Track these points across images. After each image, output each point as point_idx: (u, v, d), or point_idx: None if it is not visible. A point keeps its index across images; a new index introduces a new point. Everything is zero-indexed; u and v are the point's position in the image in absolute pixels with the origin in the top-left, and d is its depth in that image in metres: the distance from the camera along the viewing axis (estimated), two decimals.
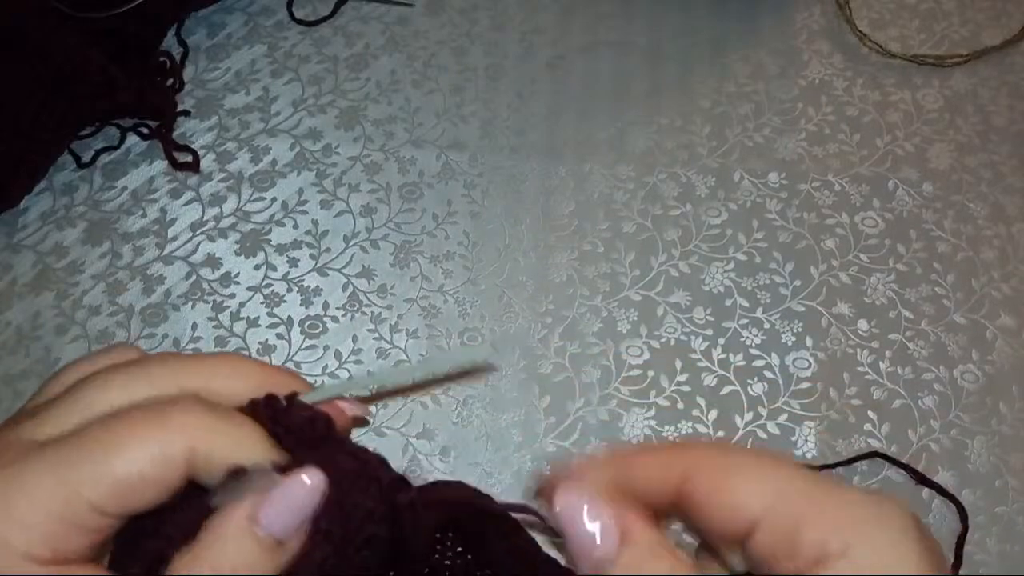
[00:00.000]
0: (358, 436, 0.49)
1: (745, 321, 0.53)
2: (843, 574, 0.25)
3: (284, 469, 0.27)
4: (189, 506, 0.27)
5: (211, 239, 0.55)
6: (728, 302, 0.54)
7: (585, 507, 0.27)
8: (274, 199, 0.56)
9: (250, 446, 0.27)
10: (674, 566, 0.27)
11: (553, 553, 0.35)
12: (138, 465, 0.25)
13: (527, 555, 0.35)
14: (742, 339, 0.53)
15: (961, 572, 0.47)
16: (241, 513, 0.26)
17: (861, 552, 0.25)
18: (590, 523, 0.27)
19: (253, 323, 0.53)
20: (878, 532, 0.25)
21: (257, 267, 0.54)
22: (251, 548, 0.26)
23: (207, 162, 0.57)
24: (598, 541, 0.27)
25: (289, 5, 0.62)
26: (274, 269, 0.54)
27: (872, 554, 0.25)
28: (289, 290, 0.54)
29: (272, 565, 0.27)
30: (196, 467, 0.26)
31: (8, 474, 0.25)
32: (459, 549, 0.34)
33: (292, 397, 0.29)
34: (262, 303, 0.53)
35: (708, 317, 0.53)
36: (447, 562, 0.34)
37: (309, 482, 0.27)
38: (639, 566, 0.26)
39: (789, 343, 0.52)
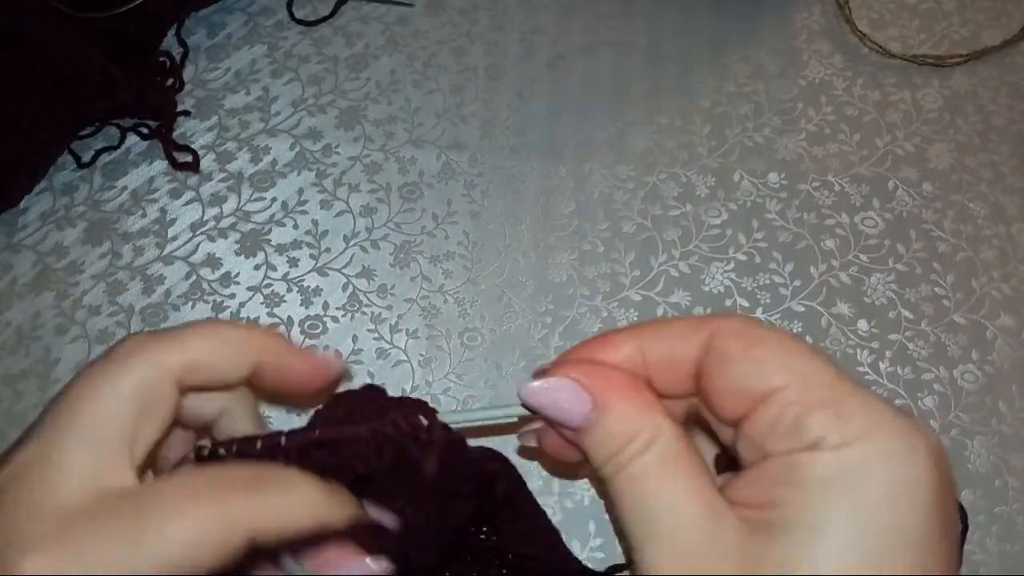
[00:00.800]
0: None
1: None
2: (823, 471, 0.23)
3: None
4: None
5: (211, 239, 0.55)
6: (728, 302, 0.54)
7: (548, 390, 0.27)
8: (274, 199, 0.56)
9: (303, 515, 0.27)
10: (647, 431, 0.26)
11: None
12: (199, 551, 0.25)
13: (546, 537, 0.36)
14: None
15: (961, 572, 0.47)
16: None
17: (855, 453, 0.23)
18: (555, 402, 0.27)
19: (253, 323, 0.53)
20: (886, 444, 0.24)
21: (257, 267, 0.54)
22: None
23: (207, 162, 0.57)
24: (567, 417, 0.27)
25: (289, 5, 0.62)
26: (274, 269, 0.54)
27: (867, 460, 0.23)
28: (289, 290, 0.54)
29: None
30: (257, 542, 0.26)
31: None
32: (484, 531, 0.35)
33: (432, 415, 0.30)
34: (262, 303, 0.53)
35: None
36: (476, 543, 0.35)
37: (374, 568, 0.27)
38: (610, 434, 0.26)
39: None
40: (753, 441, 0.26)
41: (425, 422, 0.29)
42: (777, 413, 0.25)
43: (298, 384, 0.31)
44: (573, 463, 0.30)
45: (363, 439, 0.29)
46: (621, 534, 0.26)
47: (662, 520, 0.25)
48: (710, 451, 0.30)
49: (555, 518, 0.36)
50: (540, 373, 0.30)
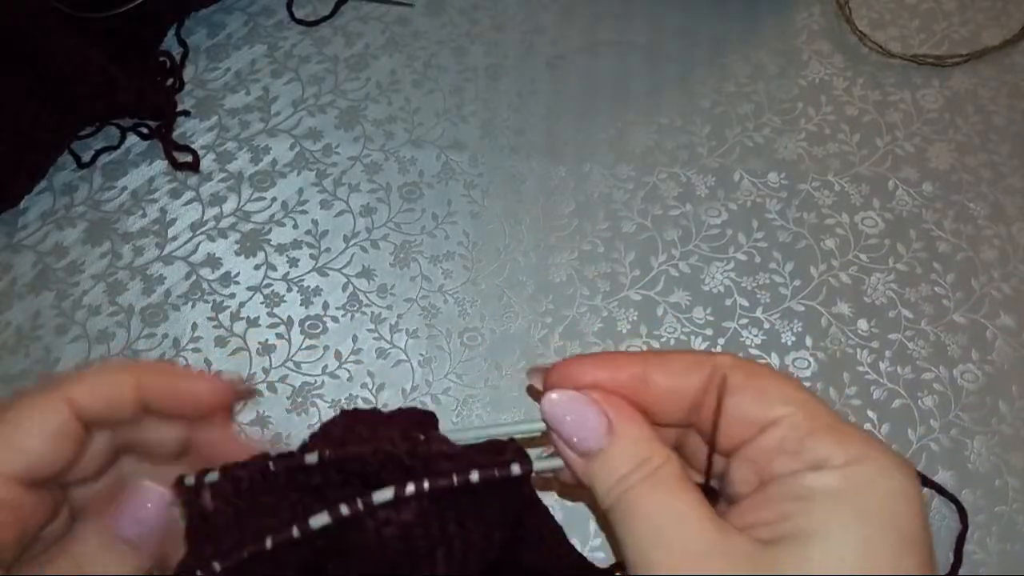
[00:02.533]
0: None
1: (745, 321, 0.53)
2: (831, 484, 0.26)
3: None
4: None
5: (211, 239, 0.55)
6: (728, 302, 0.54)
7: (570, 404, 0.28)
8: (274, 199, 0.56)
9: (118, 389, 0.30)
10: (657, 456, 0.28)
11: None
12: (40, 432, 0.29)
13: (572, 556, 0.35)
14: (742, 339, 0.53)
15: (961, 572, 0.47)
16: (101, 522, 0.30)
17: (857, 469, 0.26)
18: (576, 418, 0.28)
19: (253, 323, 0.53)
20: (883, 461, 0.27)
21: (257, 267, 0.54)
22: (106, 551, 0.30)
23: (207, 162, 0.57)
24: (585, 434, 0.28)
25: (289, 5, 0.62)
26: (274, 269, 0.54)
27: (869, 475, 0.26)
28: (289, 290, 0.54)
29: (129, 567, 0.30)
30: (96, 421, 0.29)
31: None
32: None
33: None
34: (262, 303, 0.53)
35: (708, 317, 0.53)
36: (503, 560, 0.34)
37: (154, 494, 0.30)
38: (623, 456, 0.28)
39: (789, 343, 0.52)
40: (756, 463, 0.28)
41: (422, 437, 0.30)
42: (783, 436, 0.27)
43: (196, 405, 0.32)
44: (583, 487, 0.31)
45: (364, 458, 0.29)
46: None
47: (672, 529, 0.26)
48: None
49: (556, 516, 0.36)
50: (536, 371, 0.31)
